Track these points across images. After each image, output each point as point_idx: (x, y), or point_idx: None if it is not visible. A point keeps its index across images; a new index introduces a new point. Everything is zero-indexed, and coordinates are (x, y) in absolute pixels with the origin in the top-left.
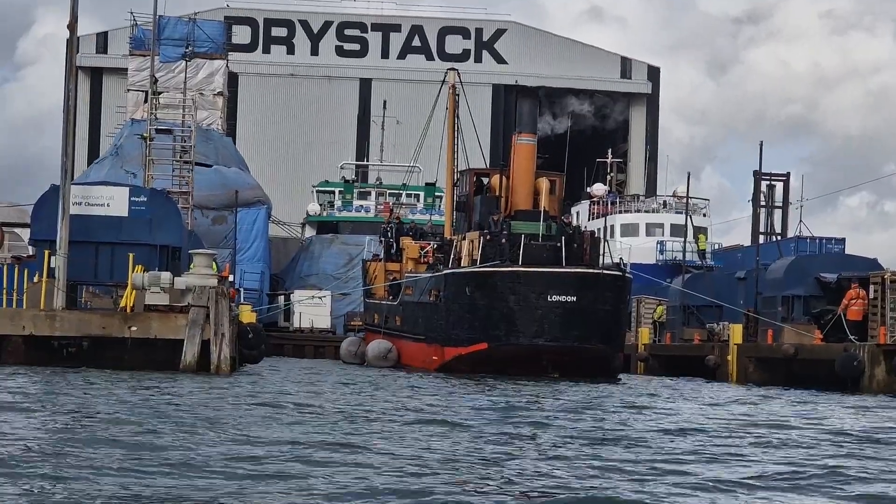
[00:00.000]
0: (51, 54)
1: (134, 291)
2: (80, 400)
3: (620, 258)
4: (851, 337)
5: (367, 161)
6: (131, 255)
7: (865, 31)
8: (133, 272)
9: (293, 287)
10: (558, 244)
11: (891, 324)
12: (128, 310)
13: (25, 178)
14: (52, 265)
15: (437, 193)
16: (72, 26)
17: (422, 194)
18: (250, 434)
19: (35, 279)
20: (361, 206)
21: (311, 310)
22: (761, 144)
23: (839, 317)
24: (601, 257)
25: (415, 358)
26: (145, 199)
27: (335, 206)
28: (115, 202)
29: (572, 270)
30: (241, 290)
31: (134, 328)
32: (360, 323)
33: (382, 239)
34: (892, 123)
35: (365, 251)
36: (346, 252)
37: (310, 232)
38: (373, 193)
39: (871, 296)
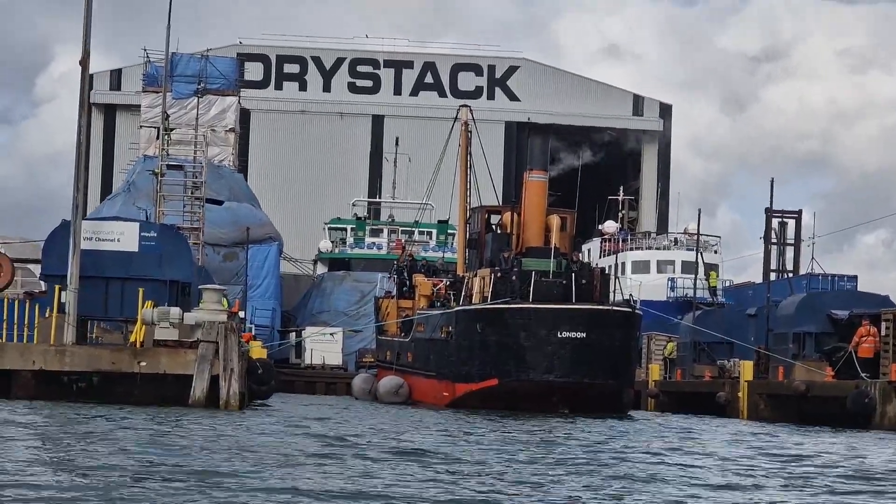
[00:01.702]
0: (68, 91)
1: (143, 327)
2: (79, 436)
3: (630, 295)
4: (863, 374)
5: (380, 198)
6: (141, 290)
7: (882, 68)
8: (143, 307)
9: (304, 324)
10: (568, 281)
11: None
12: (137, 345)
13: (42, 214)
14: (63, 300)
15: (449, 230)
16: (84, 63)
17: (434, 231)
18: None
19: (46, 314)
20: (373, 243)
21: (323, 346)
22: (772, 182)
23: (850, 354)
24: (612, 294)
25: (426, 394)
26: (155, 235)
27: (347, 243)
28: (125, 237)
29: (582, 307)
30: (253, 326)
31: (143, 363)
32: (372, 359)
33: (395, 276)
34: None
35: (377, 288)
36: (358, 289)
37: (321, 269)
38: (385, 230)
39: (883, 333)
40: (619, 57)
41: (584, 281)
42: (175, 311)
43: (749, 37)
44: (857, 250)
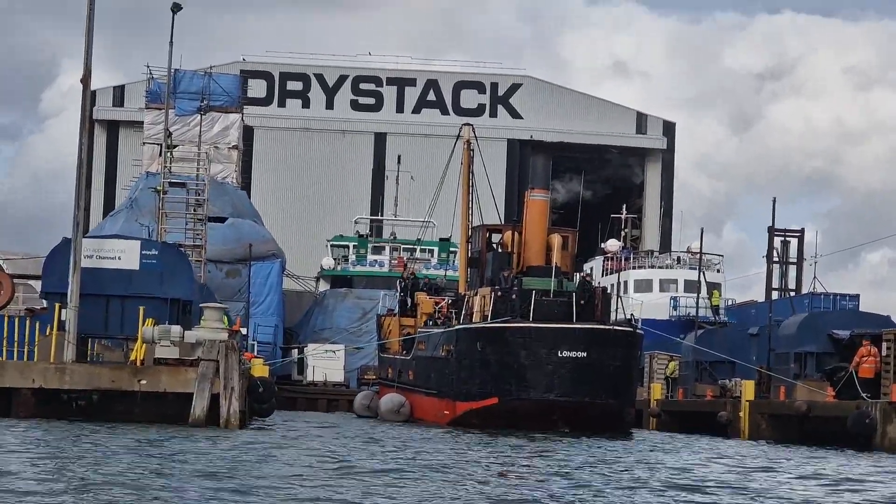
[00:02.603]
0: (74, 106)
1: (144, 345)
2: (75, 455)
3: (632, 314)
4: (863, 394)
5: (382, 215)
6: (142, 308)
7: (889, 86)
8: (143, 325)
9: (307, 341)
10: (569, 300)
11: None
12: (138, 363)
13: (48, 229)
14: (63, 318)
15: (451, 249)
16: (85, 80)
17: (436, 249)
18: None
19: (46, 332)
20: (375, 260)
21: (325, 363)
22: (774, 200)
23: (851, 374)
24: (614, 313)
25: (427, 412)
26: (156, 253)
27: (349, 261)
28: (126, 255)
29: (583, 326)
30: (255, 343)
31: (143, 381)
32: (374, 377)
33: (401, 293)
34: None
35: (379, 306)
36: (360, 306)
37: (324, 286)
38: (387, 248)
39: (884, 353)
40: (626, 74)
41: (583, 301)
42: (176, 329)
43: (755, 54)
44: (861, 269)
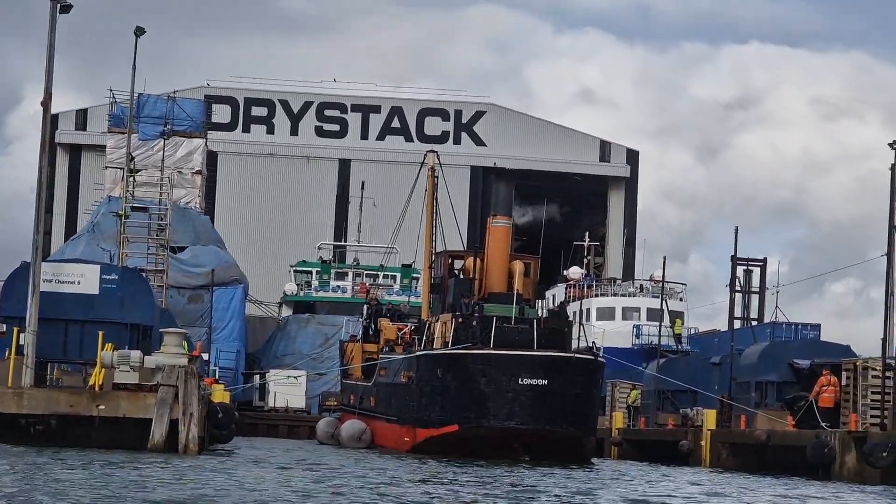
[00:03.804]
0: (37, 130)
1: (103, 370)
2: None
3: (594, 342)
4: (823, 424)
5: (345, 241)
6: (101, 332)
7: (855, 117)
8: (102, 350)
9: (269, 366)
10: (531, 327)
11: (862, 411)
12: (96, 388)
13: (8, 254)
14: (21, 342)
15: (414, 275)
16: (45, 103)
17: (398, 275)
18: None
19: (4, 356)
20: (338, 286)
21: (287, 389)
22: (736, 230)
23: (811, 403)
24: (575, 341)
25: (388, 439)
26: (116, 277)
27: (312, 286)
28: (85, 280)
29: (543, 354)
30: (217, 368)
31: (102, 406)
32: (336, 402)
33: (367, 319)
34: (880, 209)
35: (342, 331)
36: (322, 332)
37: (286, 311)
38: (350, 274)
39: (843, 382)
40: (594, 103)
41: (547, 329)
42: (135, 354)
43: (722, 84)
44: (825, 299)
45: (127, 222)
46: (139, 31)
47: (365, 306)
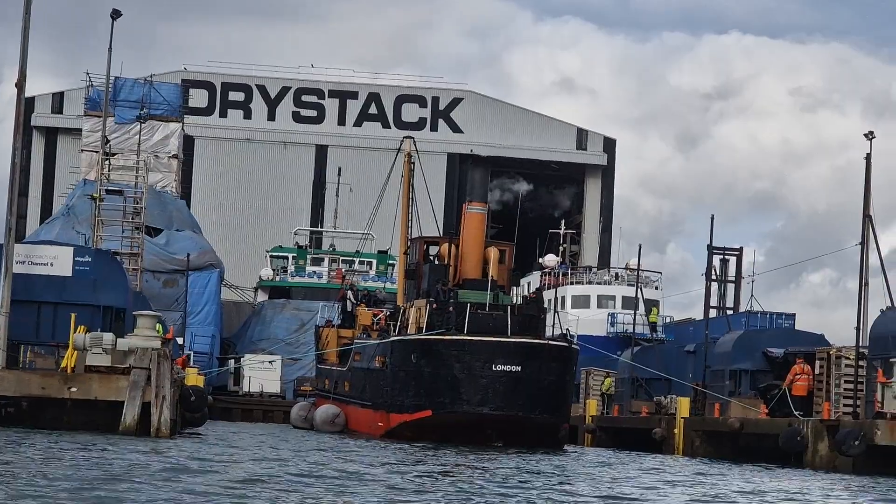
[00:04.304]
0: (13, 114)
1: (75, 352)
2: None
3: (567, 329)
4: (796, 412)
5: (322, 227)
6: (73, 315)
7: (834, 109)
8: (75, 332)
9: (244, 351)
10: (505, 313)
11: (835, 399)
12: (69, 370)
13: None
14: None
15: (389, 261)
16: (20, 84)
17: (374, 261)
18: None
19: None
20: (314, 272)
21: (262, 374)
22: (712, 219)
23: (785, 392)
24: (550, 328)
25: (362, 423)
26: (90, 260)
27: (288, 272)
28: (58, 262)
29: (517, 340)
30: (192, 353)
31: (74, 389)
32: (310, 388)
33: (351, 302)
34: (858, 200)
35: (318, 317)
36: (298, 317)
37: (262, 296)
38: (326, 260)
39: (817, 371)
40: (573, 91)
41: (522, 315)
42: (108, 336)
43: (702, 74)
44: (802, 288)
45: (102, 205)
46: (115, 14)
47: (348, 290)
